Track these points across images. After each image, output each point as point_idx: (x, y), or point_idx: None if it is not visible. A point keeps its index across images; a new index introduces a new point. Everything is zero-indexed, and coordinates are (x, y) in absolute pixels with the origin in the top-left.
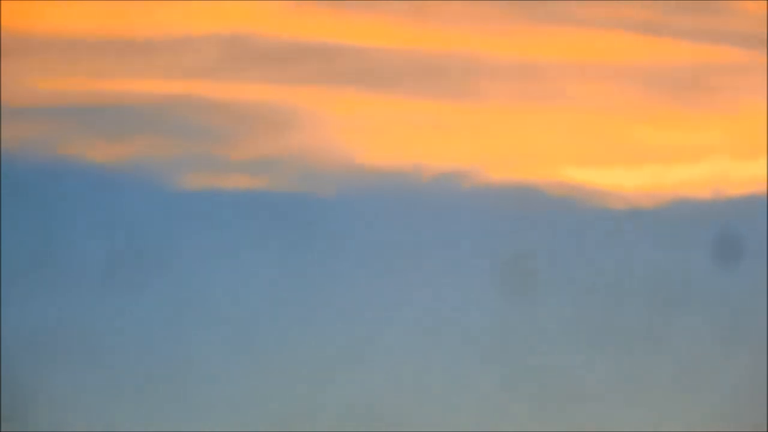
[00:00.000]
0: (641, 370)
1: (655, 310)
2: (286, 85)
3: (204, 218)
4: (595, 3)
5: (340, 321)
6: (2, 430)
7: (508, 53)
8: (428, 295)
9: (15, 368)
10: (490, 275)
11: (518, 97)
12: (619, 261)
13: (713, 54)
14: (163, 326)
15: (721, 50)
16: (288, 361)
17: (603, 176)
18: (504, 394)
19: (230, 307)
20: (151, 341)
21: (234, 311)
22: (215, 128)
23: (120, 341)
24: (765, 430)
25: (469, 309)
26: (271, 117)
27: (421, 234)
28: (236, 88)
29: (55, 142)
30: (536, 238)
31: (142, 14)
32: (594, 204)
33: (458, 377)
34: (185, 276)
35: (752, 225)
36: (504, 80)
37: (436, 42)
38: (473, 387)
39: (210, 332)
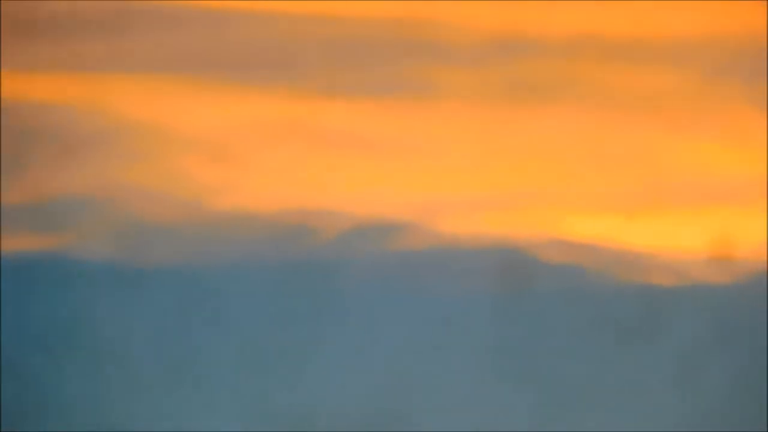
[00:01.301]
0: None
1: None
2: (89, 74)
3: None
4: None
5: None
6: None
7: (480, 23)
8: None
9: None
10: None
11: (497, 99)
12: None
13: None
14: None
15: None
16: None
17: (633, 231)
18: None
19: None
20: None
21: None
22: None
23: None
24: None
25: None
26: (66, 130)
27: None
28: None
29: None
30: (519, 337)
31: None
32: (619, 277)
33: None
34: None
35: None
36: (473, 71)
37: (358, 7)
38: None
39: None
